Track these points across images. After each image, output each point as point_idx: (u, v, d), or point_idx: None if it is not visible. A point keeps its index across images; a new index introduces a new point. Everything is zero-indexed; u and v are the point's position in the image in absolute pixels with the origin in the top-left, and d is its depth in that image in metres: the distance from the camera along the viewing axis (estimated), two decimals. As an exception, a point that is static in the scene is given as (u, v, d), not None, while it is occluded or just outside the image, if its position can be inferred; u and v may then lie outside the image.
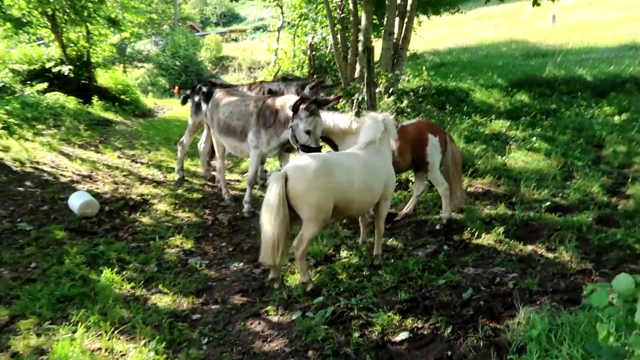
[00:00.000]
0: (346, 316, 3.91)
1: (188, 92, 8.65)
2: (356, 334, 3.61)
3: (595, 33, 20.01)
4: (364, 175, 4.30)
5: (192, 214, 6.57)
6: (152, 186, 7.79)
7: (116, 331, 3.67)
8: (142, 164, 9.35)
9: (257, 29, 52.35)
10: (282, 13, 16.69)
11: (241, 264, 5.12)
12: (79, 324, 3.65)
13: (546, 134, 8.83)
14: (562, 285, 4.22)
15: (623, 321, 2.59)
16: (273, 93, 7.03)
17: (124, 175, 8.30)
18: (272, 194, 4.05)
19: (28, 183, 7.28)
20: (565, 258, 4.73)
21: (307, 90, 6.55)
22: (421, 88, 9.93)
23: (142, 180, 8.17)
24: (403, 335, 3.61)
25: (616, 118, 9.61)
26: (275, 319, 4.02)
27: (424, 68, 11.59)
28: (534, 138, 8.37)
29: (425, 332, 3.66)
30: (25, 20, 15.00)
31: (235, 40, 49.22)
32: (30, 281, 4.44)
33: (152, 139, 11.87)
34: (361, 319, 3.85)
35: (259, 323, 3.97)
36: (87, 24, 16.03)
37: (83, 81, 16.62)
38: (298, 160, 4.32)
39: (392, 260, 4.83)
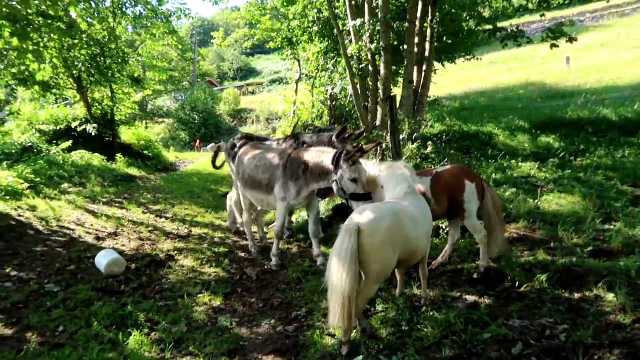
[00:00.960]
0: (391, 377, 3.66)
1: (211, 146, 8.74)
2: (402, 398, 3.35)
3: (611, 73, 19.99)
4: (423, 224, 4.19)
5: (219, 269, 6.43)
6: (178, 241, 7.72)
7: (148, 399, 3.49)
8: (166, 218, 9.35)
9: (273, 81, 53.89)
10: (300, 66, 17.09)
11: (273, 320, 4.92)
12: (109, 392, 3.48)
13: (577, 175, 8.60)
14: (619, 337, 3.91)
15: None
16: (308, 145, 7.00)
17: (149, 231, 8.27)
18: (345, 248, 3.72)
19: (54, 243, 7.27)
20: (618, 307, 4.42)
21: (334, 140, 6.53)
22: (444, 134, 9.88)
23: (167, 235, 8.12)
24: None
25: (647, 156, 9.36)
26: (314, 381, 3.79)
27: (445, 114, 11.60)
28: (566, 180, 8.14)
29: (476, 393, 3.39)
30: (52, 84, 15.62)
31: (253, 93, 50.61)
32: (58, 346, 4.30)
33: (176, 193, 11.95)
34: (407, 380, 3.60)
35: (297, 386, 3.74)
36: (112, 84, 16.63)
37: (107, 139, 17.08)
38: (364, 211, 4.03)
39: (432, 313, 4.59)
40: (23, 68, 13.69)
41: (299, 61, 16.63)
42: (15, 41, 9.34)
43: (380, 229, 3.84)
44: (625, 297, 4.52)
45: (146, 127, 29.19)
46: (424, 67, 10.45)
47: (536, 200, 7.41)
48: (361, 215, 3.97)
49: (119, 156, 15.84)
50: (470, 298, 4.89)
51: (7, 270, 5.98)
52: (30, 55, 9.43)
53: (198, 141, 31.32)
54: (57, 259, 6.59)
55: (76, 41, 10.66)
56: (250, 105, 43.27)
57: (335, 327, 3.99)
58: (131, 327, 4.66)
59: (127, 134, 18.29)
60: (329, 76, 13.87)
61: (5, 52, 12.26)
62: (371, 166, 5.40)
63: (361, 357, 3.97)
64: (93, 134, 16.06)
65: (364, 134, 8.50)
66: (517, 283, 5.07)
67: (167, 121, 37.99)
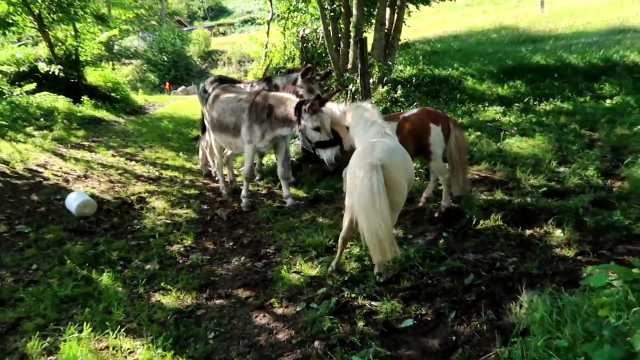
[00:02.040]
0: (350, 306, 3.94)
1: (181, 89, 8.71)
2: (361, 323, 3.64)
3: (583, 18, 20.08)
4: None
5: (190, 210, 6.56)
6: (149, 184, 7.78)
7: (122, 329, 3.69)
8: (136, 161, 9.32)
9: (245, 22, 52.04)
10: (271, 6, 16.59)
11: (242, 258, 5.14)
12: (85, 323, 3.65)
13: (540, 119, 8.88)
14: (562, 268, 4.26)
15: (623, 301, 2.63)
16: (278, 88, 7.00)
17: (119, 174, 8.28)
18: (374, 183, 3.67)
19: (22, 185, 7.23)
20: (563, 241, 4.78)
21: (299, 80, 6.61)
22: (414, 77, 9.94)
23: (137, 178, 8.15)
24: (407, 323, 3.65)
25: (608, 102, 9.67)
26: (279, 311, 4.05)
27: (420, 57, 11.59)
28: (528, 124, 8.42)
29: (429, 319, 3.70)
30: (10, 21, 14.81)
31: (224, 34, 48.94)
32: (32, 283, 4.44)
33: (145, 136, 11.83)
34: (365, 308, 3.88)
35: (264, 316, 3.99)
36: (75, 22, 15.86)
37: (72, 80, 16.47)
38: (375, 147, 4.02)
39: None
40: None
41: (270, 0, 16.14)
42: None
43: (398, 162, 3.97)
44: (572, 232, 4.88)
45: (113, 69, 28.13)
46: (397, 10, 10.32)
47: (498, 143, 7.68)
48: (374, 151, 3.96)
49: (85, 98, 15.37)
50: (430, 235, 5.18)
51: (-25, 212, 5.99)
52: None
53: (167, 84, 30.50)
54: (26, 201, 6.60)
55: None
56: (222, 46, 41.94)
57: (387, 260, 4.08)
58: (104, 265, 4.81)
59: (93, 76, 17.65)
60: (301, 17, 13.56)
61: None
62: (336, 108, 5.46)
63: (325, 288, 4.24)
64: (57, 75, 15.46)
65: (331, 74, 8.57)
66: (475, 221, 5.38)
67: (135, 62, 36.65)
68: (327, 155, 5.40)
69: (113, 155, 9.57)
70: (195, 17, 59.34)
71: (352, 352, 3.31)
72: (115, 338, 3.58)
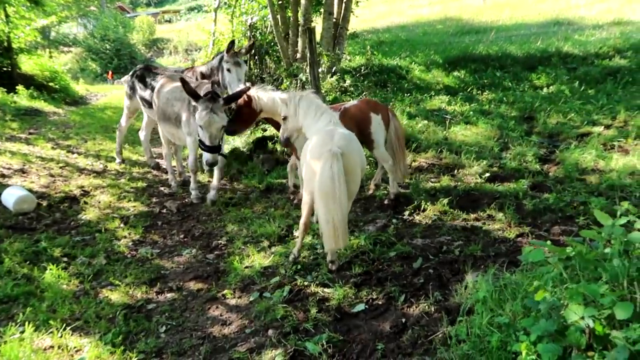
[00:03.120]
0: (303, 293, 3.98)
1: (125, 79, 8.57)
2: (314, 310, 3.69)
3: (522, 10, 20.89)
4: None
5: (137, 204, 6.39)
6: (93, 177, 7.49)
7: (68, 328, 3.56)
8: (79, 154, 8.95)
9: (191, 9, 50.68)
10: (218, -7, 16.23)
11: (194, 250, 5.07)
12: (27, 323, 3.50)
13: (482, 107, 9.22)
14: (503, 249, 4.49)
15: (557, 278, 2.80)
16: (204, 76, 6.97)
17: (61, 167, 7.91)
18: (336, 171, 3.77)
19: (-47, 180, 6.78)
20: (505, 224, 5.02)
21: (225, 57, 6.61)
22: (363, 67, 10.05)
23: (80, 171, 7.83)
24: (359, 307, 3.74)
25: (545, 90, 10.16)
26: (232, 302, 4.04)
27: (368, 47, 11.70)
28: (472, 112, 8.72)
29: (380, 302, 3.80)
30: None
31: (169, 21, 47.51)
32: (-33, 283, 4.19)
33: (88, 128, 11.35)
34: (318, 295, 3.94)
35: (217, 307, 3.97)
36: (5, 5, 14.91)
37: (5, 69, 15.53)
38: (333, 136, 4.06)
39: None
40: None
41: (216, -13, 15.77)
42: None
43: (356, 151, 4.07)
44: (512, 215, 5.13)
45: (50, 57, 26.67)
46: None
47: (444, 132, 7.92)
48: (334, 139, 4.01)
49: (20, 88, 14.51)
50: (380, 222, 5.30)
51: None
52: None
53: (110, 73, 29.27)
54: (-43, 198, 6.19)
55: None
56: (167, 34, 40.70)
57: (340, 248, 4.14)
58: (46, 262, 4.61)
59: (28, 64, 16.69)
60: (249, 5, 13.35)
61: None
62: (277, 96, 5.40)
63: (278, 277, 4.26)
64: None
65: (254, 46, 8.95)
66: (423, 207, 5.54)
67: (74, 50, 34.90)
68: (205, 157, 5.49)
69: (53, 148, 9.12)
70: (138, 4, 57.17)
71: (305, 339, 3.36)
72: (61, 337, 3.46)
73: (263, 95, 5.47)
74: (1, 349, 3.19)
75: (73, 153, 9.00)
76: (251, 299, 4.02)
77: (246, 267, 4.57)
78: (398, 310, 3.66)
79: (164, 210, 6.23)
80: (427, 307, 3.61)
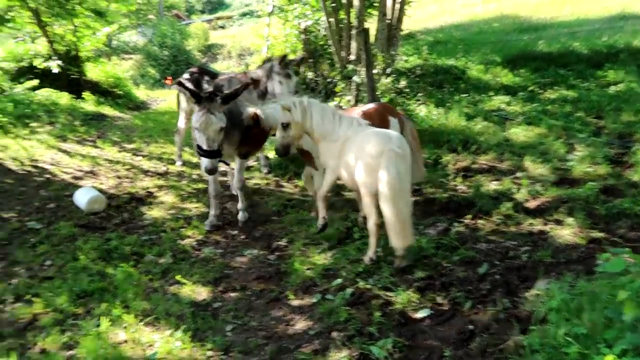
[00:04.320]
0: (365, 297, 3.96)
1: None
2: (377, 313, 3.66)
3: (584, 5, 19.95)
4: None
5: (200, 205, 6.57)
6: (156, 178, 7.77)
7: (140, 323, 3.71)
8: (143, 157, 9.31)
9: (244, 14, 51.74)
10: (272, -2, 16.48)
11: (255, 250, 5.16)
12: (103, 317, 3.67)
13: (545, 107, 8.87)
14: (574, 256, 4.29)
15: (640, 288, 2.64)
16: (256, 82, 7.00)
17: (127, 169, 8.26)
18: (400, 172, 4.00)
19: (31, 182, 7.23)
20: (575, 229, 4.79)
21: (276, 67, 6.69)
22: (418, 68, 9.92)
23: (145, 173, 8.14)
24: (424, 312, 3.68)
25: (612, 88, 9.65)
26: (295, 303, 4.07)
27: (424, 47, 11.54)
28: (534, 112, 8.41)
29: (445, 308, 3.72)
30: (7, 17, 14.74)
31: (223, 27, 48.62)
32: (47, 279, 4.45)
33: (150, 132, 11.79)
34: (381, 298, 3.91)
35: (280, 308, 4.02)
36: (73, 17, 15.78)
37: (73, 76, 16.41)
38: (394, 136, 4.26)
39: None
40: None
41: (270, -7, 16.01)
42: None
43: (408, 151, 4.23)
44: (583, 220, 4.89)
45: (112, 64, 28.01)
46: (399, 0, 10.26)
47: (505, 133, 7.68)
48: (390, 140, 4.14)
49: (87, 94, 15.32)
50: (441, 225, 5.20)
51: (-14, 210, 5.99)
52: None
53: (169, 78, 30.31)
54: (35, 197, 6.59)
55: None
56: (221, 40, 41.65)
57: (410, 245, 4.24)
58: (117, 260, 4.83)
59: (94, 71, 17.57)
60: (302, 8, 13.47)
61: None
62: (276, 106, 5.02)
63: (340, 280, 4.26)
64: (57, 72, 15.40)
65: (305, 60, 8.96)
66: (485, 210, 5.39)
67: (134, 57, 36.43)
68: (204, 163, 5.00)
69: (119, 151, 9.54)
70: (193, 11, 58.99)
71: (370, 342, 3.34)
72: (134, 332, 3.61)
73: (269, 112, 5.15)
74: (81, 341, 3.37)
75: (137, 156, 9.38)
76: (313, 300, 4.04)
77: (307, 269, 4.59)
78: (464, 317, 3.58)
79: (225, 211, 6.37)
80: (495, 314, 3.50)
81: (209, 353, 3.43)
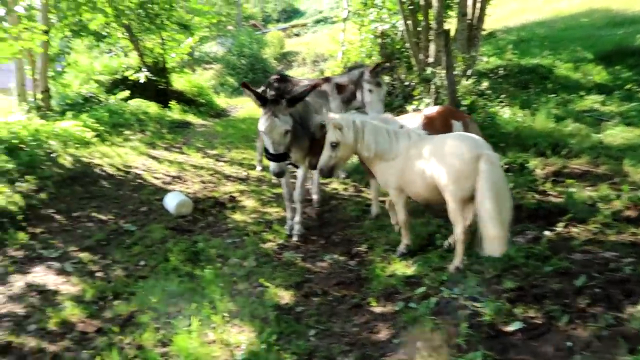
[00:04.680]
0: (451, 306, 3.82)
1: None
2: (464, 324, 3.51)
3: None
4: None
5: (280, 209, 6.70)
6: (238, 183, 8.04)
7: (227, 324, 3.83)
8: (225, 162, 9.68)
9: (318, 21, 52.49)
10: (347, 4, 16.59)
11: (335, 256, 5.16)
12: (193, 317, 3.83)
13: (645, 107, 8.17)
14: (688, 270, 3.88)
15: None
16: (340, 87, 7.03)
17: (210, 175, 8.63)
18: (501, 175, 4.02)
19: (125, 186, 7.76)
20: (687, 240, 4.34)
21: (366, 75, 6.62)
22: (501, 68, 9.51)
23: (227, 178, 8.46)
24: (515, 325, 3.47)
25: None
26: (378, 310, 4.02)
27: (508, 47, 11.05)
28: (632, 112, 7.76)
29: (539, 322, 3.49)
30: (104, 33, 16.00)
31: (297, 35, 49.59)
32: (142, 278, 4.72)
33: (231, 138, 12.25)
34: (467, 309, 3.74)
35: (363, 314, 3.98)
36: (161, 31, 16.82)
37: (160, 86, 17.47)
38: (480, 141, 4.19)
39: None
40: (76, 19, 14.08)
41: (345, -1, 16.15)
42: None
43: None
44: (696, 230, 4.42)
45: (194, 73, 29.49)
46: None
47: (600, 135, 7.14)
48: (477, 143, 4.09)
49: (173, 103, 16.25)
50: (531, 234, 4.92)
51: (87, 212, 6.49)
52: (86, 6, 9.66)
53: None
54: (129, 201, 7.06)
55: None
56: (296, 47, 42.54)
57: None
58: (204, 262, 5.03)
59: (179, 82, 18.63)
60: (378, 12, 13.41)
61: (59, 5, 12.61)
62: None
63: (424, 288, 4.14)
64: (146, 83, 16.47)
65: (394, 67, 8.69)
66: (580, 218, 5.03)
67: (214, 67, 38.12)
68: (271, 167, 4.99)
69: (203, 157, 10.01)
70: (269, 20, 60.73)
71: (458, 355, 3.21)
72: (222, 332, 3.72)
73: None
74: (174, 339, 3.53)
75: (219, 161, 9.78)
76: (396, 308, 3.96)
77: (388, 276, 4.52)
78: (561, 332, 3.33)
79: (304, 216, 6.44)
80: (597, 330, 3.24)
81: (294, 357, 3.46)
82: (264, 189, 7.61)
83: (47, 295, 4.34)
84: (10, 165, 6.94)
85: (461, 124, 5.30)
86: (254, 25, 49.30)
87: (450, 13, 11.32)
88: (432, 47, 9.48)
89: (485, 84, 8.56)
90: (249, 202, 7.01)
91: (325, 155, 4.58)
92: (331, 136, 4.51)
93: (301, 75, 33.73)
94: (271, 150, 4.88)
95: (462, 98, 7.81)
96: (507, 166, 6.47)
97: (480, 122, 7.22)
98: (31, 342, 3.60)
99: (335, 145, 4.51)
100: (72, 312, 4.00)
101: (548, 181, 6.16)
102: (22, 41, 9.76)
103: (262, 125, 4.84)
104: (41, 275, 4.73)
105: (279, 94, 4.97)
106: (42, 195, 6.64)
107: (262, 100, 4.89)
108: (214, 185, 7.99)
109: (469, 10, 9.94)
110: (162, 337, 3.67)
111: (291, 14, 62.19)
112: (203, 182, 8.18)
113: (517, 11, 25.42)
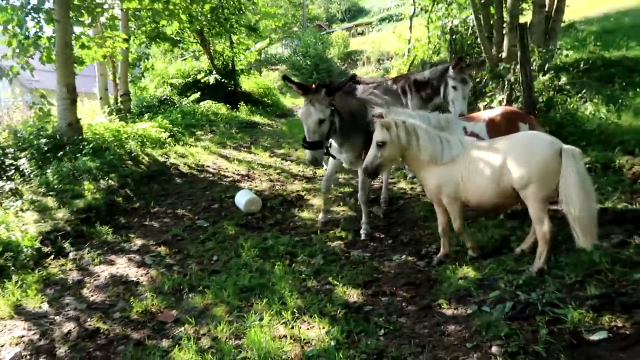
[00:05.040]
0: (529, 312, 3.64)
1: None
2: (544, 331, 3.33)
3: None
4: None
5: (346, 208, 6.71)
6: (304, 182, 8.14)
7: (297, 320, 3.87)
8: (291, 161, 9.84)
9: (382, 19, 52.09)
10: (414, 0, 16.32)
11: (403, 256, 5.09)
12: (264, 312, 3.91)
13: None
14: None
15: None
16: (420, 84, 6.84)
17: (278, 173, 8.80)
18: (584, 169, 3.97)
19: (198, 184, 8.08)
20: None
21: (450, 72, 6.33)
22: (582, 62, 8.94)
23: (294, 177, 8.59)
24: (600, 335, 3.24)
25: None
26: (449, 312, 3.91)
27: (591, 39, 10.35)
28: None
29: (628, 332, 3.25)
30: (178, 39, 16.78)
31: (362, 33, 49.45)
32: (215, 272, 4.90)
33: (296, 137, 12.42)
34: (547, 315, 3.55)
35: (433, 316, 3.89)
36: (231, 34, 17.40)
37: (229, 88, 18.08)
38: (546, 137, 4.14)
39: (573, 253, 4.39)
40: (153, 26, 14.86)
41: (413, -5, 15.86)
42: (147, 1, 10.16)
43: None
44: None
45: (260, 75, 30.22)
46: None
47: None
48: (550, 140, 4.05)
49: (241, 104, 16.75)
50: (617, 238, 4.59)
51: (164, 208, 6.83)
52: (163, 14, 10.18)
53: (314, 86, 31.74)
54: (202, 198, 7.35)
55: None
56: (360, 46, 42.42)
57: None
58: (274, 259, 5.12)
59: (246, 83, 19.19)
60: (446, 8, 13.09)
61: (137, 13, 13.35)
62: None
63: (498, 292, 3.98)
64: (215, 85, 17.09)
65: (484, 64, 8.16)
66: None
67: (280, 68, 38.84)
68: (306, 154, 5.20)
69: (270, 156, 10.23)
70: (334, 20, 60.99)
71: (537, 363, 3.05)
72: (292, 328, 3.77)
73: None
74: (247, 333, 3.62)
75: (286, 160, 9.95)
76: (469, 311, 3.83)
77: (460, 278, 4.39)
78: (653, 345, 3.09)
79: (371, 215, 6.40)
80: (697, 345, 2.96)
81: (363, 356, 3.43)
82: (331, 188, 7.63)
83: (130, 286, 4.62)
84: (95, 164, 7.43)
85: (527, 126, 5.07)
86: (319, 25, 49.74)
87: (524, 5, 10.82)
88: (505, 42, 9.10)
89: (564, 79, 8.09)
90: (316, 201, 7.06)
91: (371, 155, 4.46)
92: (378, 135, 4.39)
93: (365, 74, 33.62)
94: (307, 138, 4.98)
95: (538, 94, 7.43)
96: (588, 166, 6.08)
97: (559, 119, 6.84)
98: (117, 329, 3.84)
99: (381, 145, 4.38)
100: (152, 303, 4.22)
101: (638, 183, 5.72)
102: (105, 48, 10.42)
103: (300, 113, 5.01)
104: (124, 267, 5.04)
105: (322, 84, 5.06)
106: (123, 192, 7.07)
107: (303, 89, 5.02)
108: (281, 183, 8.14)
109: (547, 1, 9.45)
110: (235, 330, 3.77)
111: (355, 13, 62.12)
112: (271, 180, 8.35)
113: (598, 1, 23.88)
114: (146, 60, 16.31)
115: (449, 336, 3.59)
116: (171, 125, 11.64)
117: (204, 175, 8.60)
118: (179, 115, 13.08)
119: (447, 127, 4.88)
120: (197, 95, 15.90)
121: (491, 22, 9.75)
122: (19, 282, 4.43)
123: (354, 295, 4.36)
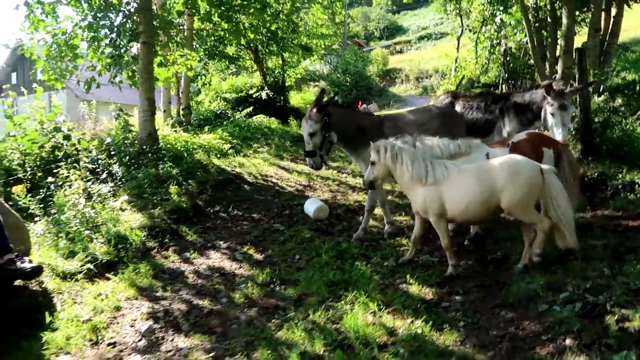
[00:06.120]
0: (598, 311, 4.00)
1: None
2: (614, 328, 3.69)
3: None
4: None
5: (408, 218, 7.16)
6: (364, 193, 8.64)
7: (383, 311, 4.35)
8: (347, 174, 10.37)
9: (421, 38, 52.63)
10: (462, 21, 16.80)
11: (469, 262, 5.49)
12: (354, 303, 4.41)
13: None
14: None
15: None
16: (520, 106, 6.55)
17: (337, 185, 9.35)
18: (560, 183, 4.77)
19: (266, 192, 8.70)
20: None
21: (548, 98, 6.02)
22: (637, 84, 9.17)
23: (352, 188, 9.11)
24: (666, 334, 3.59)
25: None
26: (521, 310, 4.30)
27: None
28: None
29: (691, 332, 3.58)
30: (236, 56, 17.71)
31: (400, 51, 50.04)
32: (300, 269, 5.43)
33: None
34: (615, 314, 3.91)
35: (507, 312, 4.28)
36: (283, 53, 18.24)
37: (278, 103, 18.88)
38: (529, 161, 4.77)
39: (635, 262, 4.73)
40: (214, 44, 15.80)
41: (461, 16, 16.34)
42: (220, 22, 10.97)
43: None
44: None
45: (300, 90, 31.09)
46: (613, 13, 9.70)
47: None
48: (531, 163, 4.73)
49: (291, 119, 17.48)
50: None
51: (241, 213, 7.45)
52: (233, 34, 10.98)
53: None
54: (272, 204, 7.95)
55: (267, 17, 12.08)
56: (399, 64, 42.98)
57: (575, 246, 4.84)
58: (350, 260, 5.62)
59: (295, 98, 19.98)
60: (495, 29, 13.50)
61: (201, 32, 14.27)
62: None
63: (568, 293, 4.36)
64: (266, 100, 17.90)
65: (586, 87, 7.40)
66: None
67: (320, 84, 39.63)
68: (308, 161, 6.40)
69: (325, 169, 10.77)
70: (372, 38, 61.82)
71: (610, 352, 3.42)
72: (379, 317, 4.25)
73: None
74: (344, 317, 4.13)
75: (342, 173, 10.49)
76: (540, 309, 4.21)
77: (527, 282, 4.77)
78: None
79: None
80: None
81: (447, 342, 3.88)
82: (390, 199, 8.12)
83: (227, 277, 5.21)
84: (175, 171, 8.15)
85: (552, 152, 5.39)
86: (358, 43, 50.60)
87: (578, 28, 11.14)
88: (560, 64, 9.45)
89: (619, 101, 8.38)
90: (378, 211, 7.53)
91: (367, 171, 5.35)
92: (371, 155, 5.20)
93: (404, 92, 34.01)
94: (305, 147, 6.19)
95: (594, 115, 7.75)
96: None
97: (616, 140, 7.13)
98: (227, 311, 4.41)
99: (373, 164, 5.19)
100: (252, 292, 4.79)
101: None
102: (177, 66, 11.29)
103: (310, 128, 6.02)
104: (218, 260, 5.65)
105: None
106: (204, 197, 7.74)
107: (313, 105, 6.17)
108: (342, 194, 8.67)
109: (602, 24, 9.77)
110: (331, 316, 4.27)
111: (393, 31, 62.82)
112: (331, 191, 8.89)
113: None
114: (204, 77, 17.25)
115: (523, 330, 3.99)
116: (230, 137, 12.38)
117: (269, 185, 9.22)
118: (236, 129, 13.84)
119: (468, 153, 5.39)
120: (250, 109, 16.69)
121: (544, 44, 10.12)
122: (136, 270, 5.09)
123: (429, 293, 4.81)
